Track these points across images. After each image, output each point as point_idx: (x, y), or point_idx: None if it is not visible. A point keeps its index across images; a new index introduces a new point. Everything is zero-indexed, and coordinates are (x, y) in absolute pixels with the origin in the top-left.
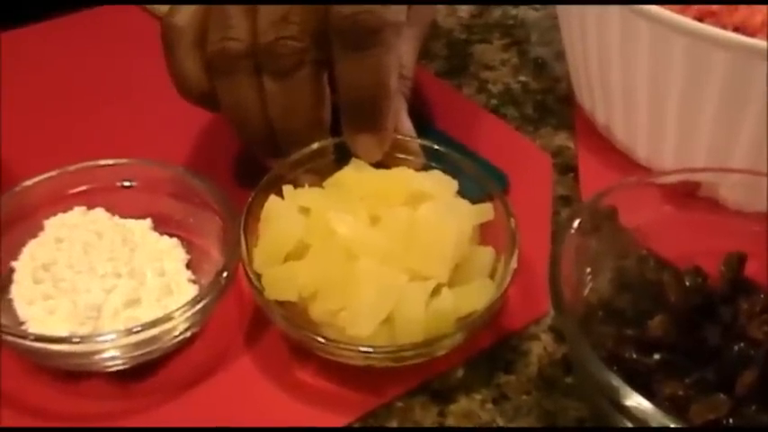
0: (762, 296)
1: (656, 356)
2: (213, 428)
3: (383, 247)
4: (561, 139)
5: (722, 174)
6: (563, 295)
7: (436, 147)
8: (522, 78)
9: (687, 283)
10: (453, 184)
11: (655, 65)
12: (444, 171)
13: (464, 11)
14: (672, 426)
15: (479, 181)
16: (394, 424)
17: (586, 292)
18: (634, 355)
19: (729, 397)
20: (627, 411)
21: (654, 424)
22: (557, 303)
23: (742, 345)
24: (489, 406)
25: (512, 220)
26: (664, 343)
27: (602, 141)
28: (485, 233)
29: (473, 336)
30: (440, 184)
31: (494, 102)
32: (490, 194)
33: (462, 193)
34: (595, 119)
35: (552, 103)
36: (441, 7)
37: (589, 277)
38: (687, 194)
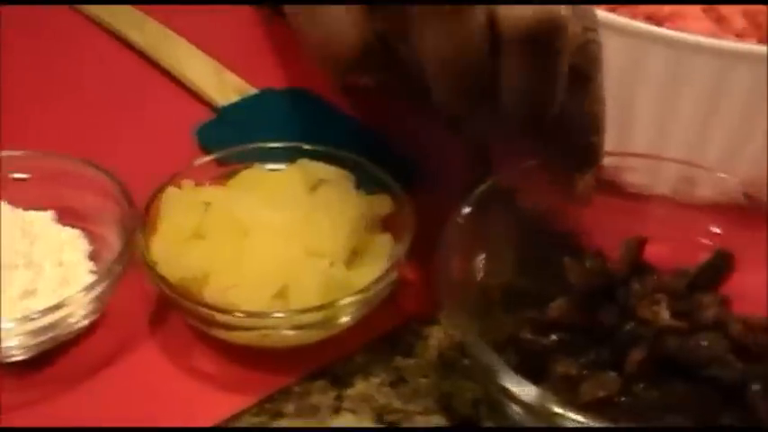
0: (654, 277)
1: (553, 337)
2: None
3: (279, 225)
4: None
5: (623, 158)
6: (448, 281)
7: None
8: None
9: (587, 266)
10: (350, 176)
11: None
12: (347, 163)
13: None
14: (555, 409)
15: (380, 172)
16: (290, 408)
17: (481, 276)
18: (530, 336)
19: (620, 375)
20: (511, 395)
21: (537, 407)
22: (442, 289)
23: (633, 325)
24: (386, 389)
25: (406, 208)
26: (561, 324)
27: None
28: (389, 223)
29: (368, 314)
30: (337, 176)
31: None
32: (389, 186)
33: (363, 184)
34: None
35: None
36: None
37: (483, 262)
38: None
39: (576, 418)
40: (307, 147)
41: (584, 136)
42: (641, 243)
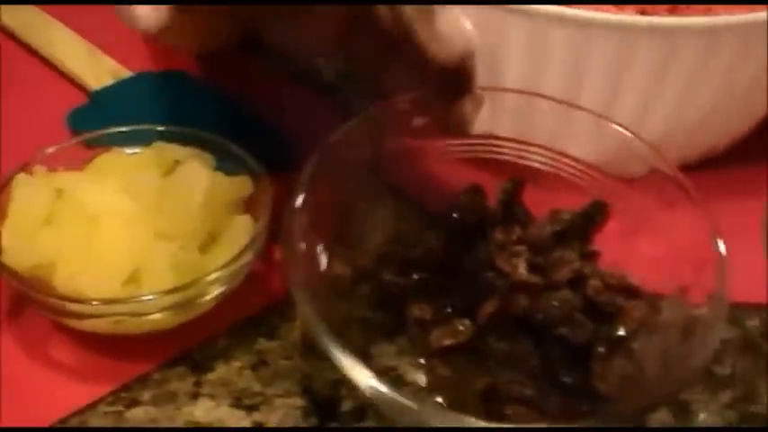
0: (518, 228)
1: (415, 276)
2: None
3: (128, 210)
4: None
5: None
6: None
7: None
8: None
9: (461, 200)
10: (208, 158)
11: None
12: (206, 144)
13: None
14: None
15: (242, 153)
16: (147, 396)
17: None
18: (388, 277)
19: (473, 324)
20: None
21: (367, 391)
22: (286, 274)
23: (491, 275)
24: (247, 372)
25: (267, 189)
26: (426, 262)
27: None
28: (250, 204)
29: (230, 297)
30: (194, 157)
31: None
32: (250, 167)
33: (223, 165)
34: None
35: None
36: None
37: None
38: None
39: (405, 402)
40: (162, 129)
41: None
42: (517, 185)
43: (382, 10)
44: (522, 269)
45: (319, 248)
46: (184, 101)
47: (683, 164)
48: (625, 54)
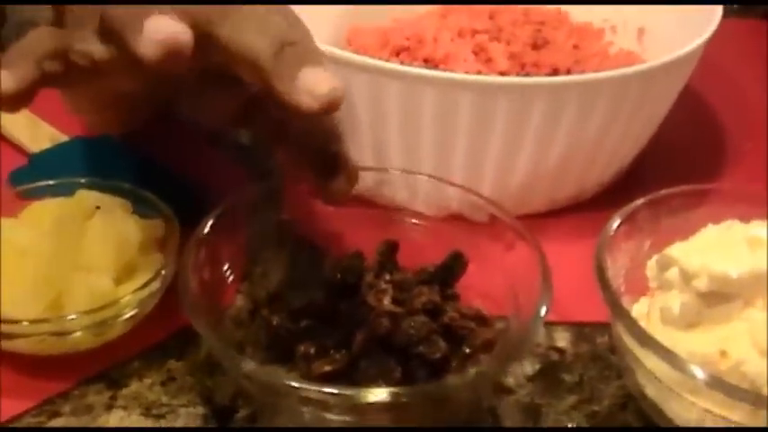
0: (388, 275)
1: (304, 323)
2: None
3: (53, 247)
4: None
5: (383, 173)
6: (189, 296)
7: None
8: None
9: (344, 263)
10: (126, 204)
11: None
12: (125, 193)
13: None
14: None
15: (156, 200)
16: (67, 408)
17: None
18: (276, 322)
19: (348, 353)
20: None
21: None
22: (184, 302)
23: (361, 310)
24: (157, 387)
25: (176, 231)
26: (311, 312)
27: None
28: (163, 244)
29: (143, 323)
30: (113, 204)
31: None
32: (162, 212)
33: (140, 210)
34: None
35: None
36: None
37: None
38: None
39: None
40: (84, 180)
41: (327, 146)
42: (392, 246)
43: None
44: (386, 302)
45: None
46: (110, 161)
47: (551, 208)
48: (486, 111)
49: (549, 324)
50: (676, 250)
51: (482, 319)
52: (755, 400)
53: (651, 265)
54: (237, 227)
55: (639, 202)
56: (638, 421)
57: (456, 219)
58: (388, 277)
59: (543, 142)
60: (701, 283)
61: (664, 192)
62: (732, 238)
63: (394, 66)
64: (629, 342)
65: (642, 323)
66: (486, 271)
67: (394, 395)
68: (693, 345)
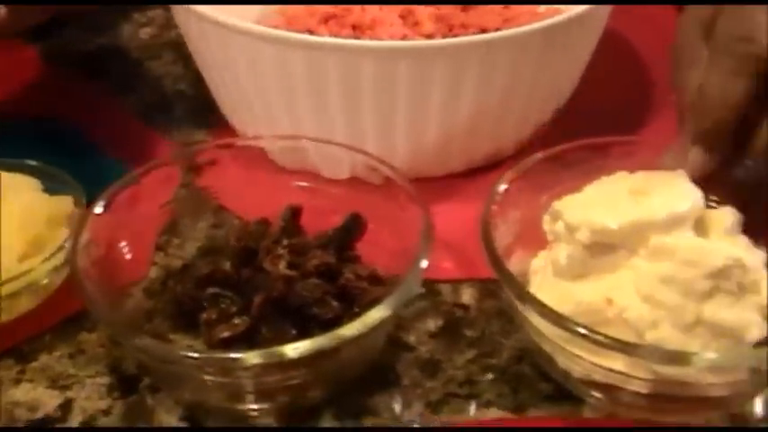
0: (287, 240)
1: (211, 290)
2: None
3: None
4: (201, 135)
5: (275, 140)
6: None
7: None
8: (181, 87)
9: (249, 229)
10: (35, 182)
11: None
12: (35, 171)
13: (145, 33)
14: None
15: (67, 177)
16: None
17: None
18: (180, 290)
19: (248, 318)
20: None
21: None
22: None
23: (261, 276)
24: (65, 360)
25: (80, 206)
26: (214, 279)
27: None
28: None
29: (55, 298)
30: (21, 182)
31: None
32: (73, 188)
33: (51, 187)
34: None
35: (201, 108)
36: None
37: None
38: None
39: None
40: None
41: None
42: (295, 211)
43: None
44: (282, 266)
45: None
46: (40, 138)
47: (469, 166)
48: (389, 76)
49: (456, 281)
50: (563, 204)
51: (376, 279)
52: (626, 348)
53: (546, 219)
54: (145, 199)
55: (536, 156)
56: (533, 372)
57: (357, 182)
58: (285, 242)
59: (450, 103)
60: (584, 236)
61: (560, 147)
62: (617, 190)
63: (298, 35)
64: (514, 299)
65: (538, 276)
66: (384, 232)
67: (266, 355)
68: (581, 295)
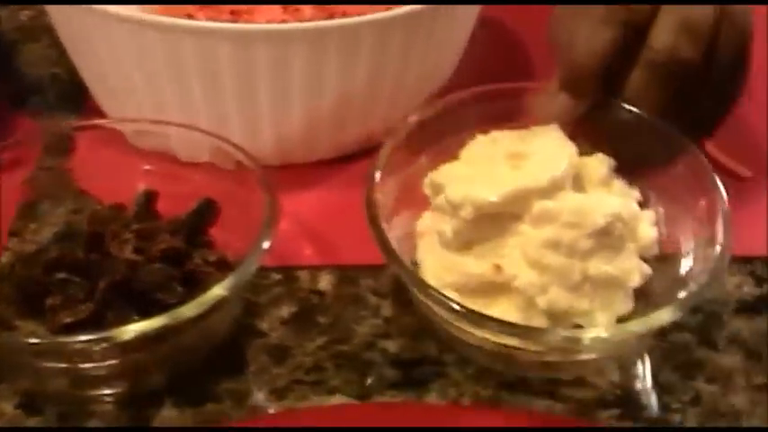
0: (135, 224)
1: (58, 276)
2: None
3: None
4: (73, 119)
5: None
6: None
7: None
8: (56, 71)
9: (103, 214)
10: None
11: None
12: None
13: (25, 15)
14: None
15: None
16: None
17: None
18: (25, 274)
19: (93, 303)
20: None
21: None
22: None
23: (107, 260)
24: None
25: None
26: (62, 264)
27: None
28: None
29: None
30: None
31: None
32: None
33: None
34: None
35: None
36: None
37: None
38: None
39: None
40: None
41: None
42: (150, 195)
43: None
44: (127, 251)
45: None
46: None
47: (341, 153)
48: (247, 61)
49: (315, 268)
50: (442, 176)
51: (225, 264)
52: (499, 327)
53: (426, 184)
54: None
55: (412, 119)
56: (383, 359)
57: (214, 167)
58: (134, 227)
59: (313, 88)
60: (467, 212)
61: (433, 108)
62: (494, 155)
63: (152, 17)
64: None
65: (425, 240)
66: (238, 217)
67: (98, 339)
68: (470, 266)
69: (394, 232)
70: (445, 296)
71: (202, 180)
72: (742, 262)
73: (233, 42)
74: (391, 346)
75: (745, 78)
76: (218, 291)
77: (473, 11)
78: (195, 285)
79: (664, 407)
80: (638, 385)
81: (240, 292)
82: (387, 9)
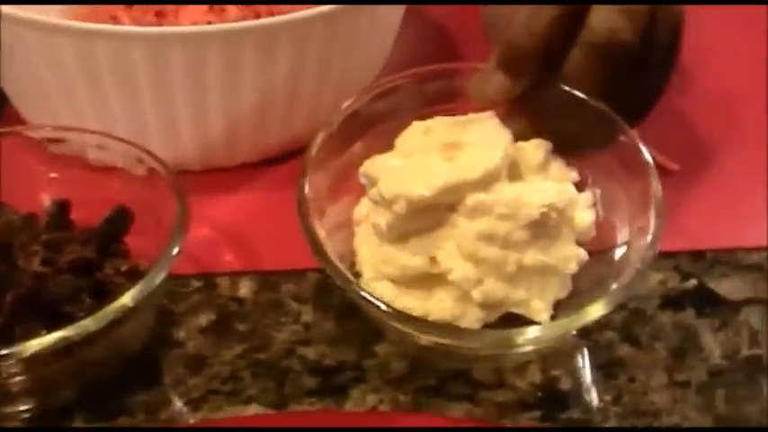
0: (45, 235)
1: None
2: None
3: None
4: None
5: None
6: None
7: None
8: None
9: (14, 225)
10: None
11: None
12: None
13: None
14: None
15: None
16: None
17: None
18: None
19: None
20: None
21: None
22: None
23: (15, 272)
24: None
25: None
26: None
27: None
28: None
29: None
30: None
31: None
32: None
33: None
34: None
35: None
36: None
37: None
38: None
39: None
40: None
41: None
42: (61, 206)
43: None
44: (35, 263)
45: None
46: None
47: (266, 156)
48: (161, 63)
49: (236, 274)
50: (375, 169)
51: (137, 273)
52: (426, 328)
53: (361, 173)
54: None
55: (344, 109)
56: (301, 366)
57: (127, 174)
58: (44, 237)
59: (231, 91)
60: (400, 207)
61: (364, 96)
62: (428, 146)
63: (65, 23)
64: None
65: (362, 228)
66: (153, 224)
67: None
68: (405, 260)
69: (329, 222)
70: (373, 296)
71: (118, 187)
72: (667, 257)
73: (147, 46)
74: (311, 352)
75: (677, 63)
76: (123, 301)
77: (398, 9)
78: (106, 296)
79: (585, 407)
80: (560, 386)
81: (151, 301)
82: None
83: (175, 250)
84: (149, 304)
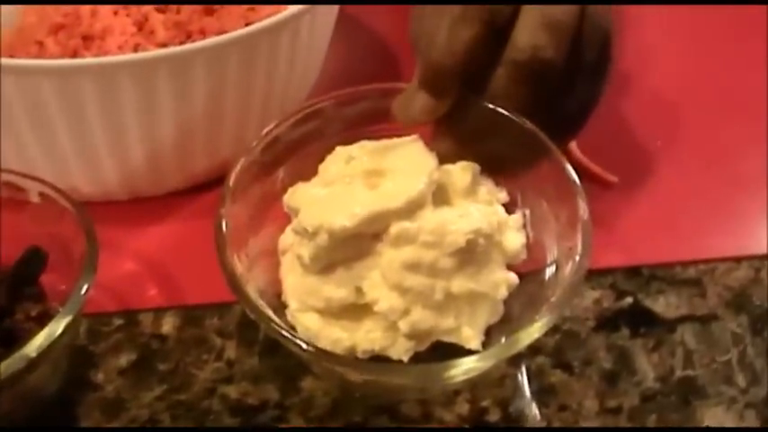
0: None
1: None
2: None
3: None
4: None
5: None
6: None
7: None
8: None
9: None
10: None
11: None
12: None
13: None
14: None
15: None
16: None
17: None
18: None
19: None
20: None
21: None
22: None
23: None
24: None
25: None
26: None
27: None
28: None
29: None
30: None
31: None
32: None
33: None
34: None
35: None
36: None
37: None
38: None
39: None
40: None
41: None
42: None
43: None
44: None
45: None
46: None
47: (192, 183)
48: (72, 94)
49: (159, 309)
50: (297, 199)
51: (49, 317)
52: (351, 364)
53: (285, 202)
54: None
55: (266, 135)
56: (222, 406)
57: (41, 211)
58: None
59: (148, 119)
60: (322, 239)
61: (285, 121)
62: (351, 174)
63: None
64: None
65: (287, 257)
66: (66, 261)
67: None
68: (330, 292)
69: (253, 251)
70: (294, 334)
71: (30, 226)
72: (603, 274)
73: (56, 79)
74: (232, 391)
75: (607, 80)
76: (26, 351)
77: (325, 29)
78: (15, 344)
79: None
80: (488, 417)
81: (63, 343)
82: (246, 22)
83: (83, 290)
84: (61, 347)
